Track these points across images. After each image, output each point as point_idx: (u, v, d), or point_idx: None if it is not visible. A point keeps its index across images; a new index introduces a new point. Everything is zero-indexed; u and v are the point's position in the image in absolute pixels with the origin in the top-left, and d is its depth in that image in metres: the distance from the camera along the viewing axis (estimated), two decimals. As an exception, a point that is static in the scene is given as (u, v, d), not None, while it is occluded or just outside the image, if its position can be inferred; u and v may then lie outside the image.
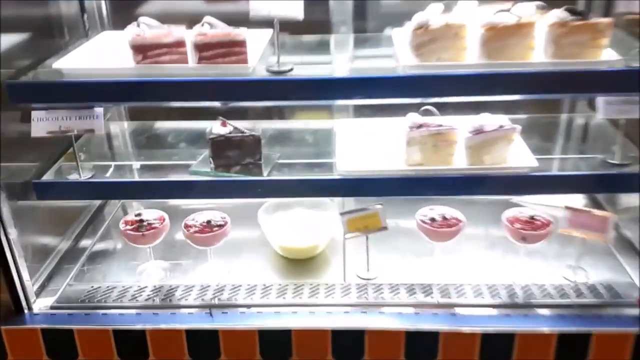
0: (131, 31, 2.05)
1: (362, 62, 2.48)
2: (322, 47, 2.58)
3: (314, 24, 2.59)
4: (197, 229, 2.28)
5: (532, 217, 2.27)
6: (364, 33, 2.66)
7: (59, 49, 2.40)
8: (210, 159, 2.28)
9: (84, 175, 2.24)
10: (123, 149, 2.70)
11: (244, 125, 2.31)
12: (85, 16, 2.66)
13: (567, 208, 2.23)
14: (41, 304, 2.30)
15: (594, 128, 2.62)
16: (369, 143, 2.42)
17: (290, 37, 2.52)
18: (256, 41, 2.24)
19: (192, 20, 2.55)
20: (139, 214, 2.35)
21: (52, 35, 2.53)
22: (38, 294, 2.34)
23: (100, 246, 2.67)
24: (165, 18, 2.69)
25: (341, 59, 2.48)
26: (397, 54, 2.15)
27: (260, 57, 2.17)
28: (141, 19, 2.06)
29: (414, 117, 2.20)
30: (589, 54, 1.97)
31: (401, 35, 2.20)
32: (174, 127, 2.76)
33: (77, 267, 2.51)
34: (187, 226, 2.30)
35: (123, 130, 2.84)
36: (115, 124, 2.87)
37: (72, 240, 2.69)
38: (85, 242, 2.71)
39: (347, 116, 2.76)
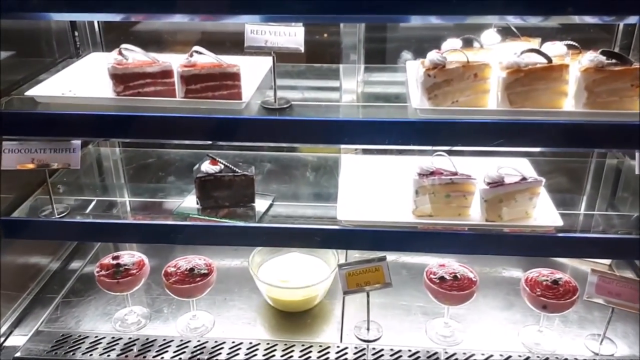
0: (112, 59, 1.85)
1: (371, 97, 2.24)
2: (328, 77, 2.37)
3: (322, 49, 2.42)
4: (177, 277, 2.06)
5: (555, 282, 2.01)
6: (376, 57, 2.44)
7: (46, 68, 2.23)
8: (197, 199, 2.07)
9: (59, 212, 2.05)
10: (108, 179, 2.50)
11: (237, 159, 2.11)
12: (76, 34, 2.48)
13: (594, 272, 1.97)
14: (5, 355, 2.09)
15: (627, 176, 2.35)
16: (375, 185, 2.21)
17: (295, 65, 2.32)
18: (255, 69, 2.05)
19: (192, 42, 2.42)
20: (116, 257, 2.13)
21: (40, 53, 2.36)
22: (2, 342, 2.13)
23: (77, 286, 2.45)
24: (165, 40, 2.58)
25: (348, 94, 2.26)
26: (409, 93, 1.92)
27: (257, 87, 1.97)
28: (123, 46, 1.86)
29: (424, 163, 1.96)
30: (628, 103, 1.72)
31: (415, 69, 1.96)
32: (167, 154, 2.57)
33: (50, 311, 2.30)
34: (167, 274, 2.08)
35: (110, 157, 2.63)
36: (105, 149, 2.67)
37: (47, 279, 2.48)
38: (62, 280, 2.49)
39: (355, 147, 2.53)
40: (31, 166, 1.94)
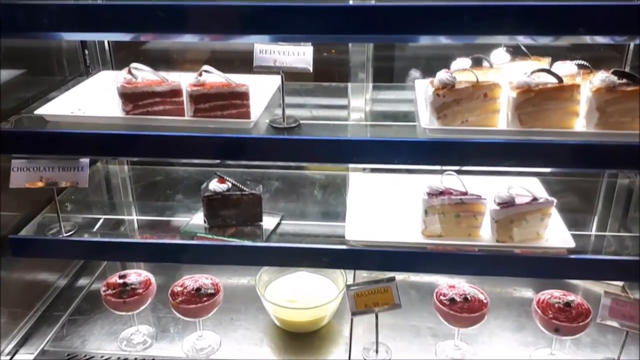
0: (121, 78, 1.86)
1: (379, 115, 2.23)
2: (337, 95, 2.37)
3: (331, 68, 2.42)
4: (184, 297, 2.04)
5: (568, 304, 1.97)
6: (384, 76, 2.43)
7: (56, 86, 2.24)
8: (205, 218, 2.06)
9: (66, 230, 2.04)
10: (117, 196, 2.49)
11: (245, 177, 2.10)
12: (86, 52, 2.49)
13: (608, 294, 1.94)
14: (10, 375, 2.08)
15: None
16: (384, 204, 2.19)
17: (303, 84, 2.32)
18: (264, 87, 2.05)
19: (202, 60, 2.43)
20: (123, 276, 2.12)
21: (51, 70, 2.37)
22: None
23: (84, 305, 2.43)
24: (174, 58, 2.59)
25: (356, 112, 2.25)
26: (418, 113, 1.90)
27: (266, 106, 1.97)
28: (133, 65, 1.86)
29: (433, 183, 1.94)
30: (640, 124, 1.70)
31: (424, 88, 1.95)
32: (175, 171, 2.56)
33: (56, 330, 2.28)
34: (173, 294, 2.06)
35: (119, 174, 2.63)
36: (114, 166, 2.67)
37: (54, 297, 2.46)
38: (69, 298, 2.48)
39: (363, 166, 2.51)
40: (40, 184, 1.94)
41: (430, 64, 2.25)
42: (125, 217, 2.28)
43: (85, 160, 1.94)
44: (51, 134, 1.83)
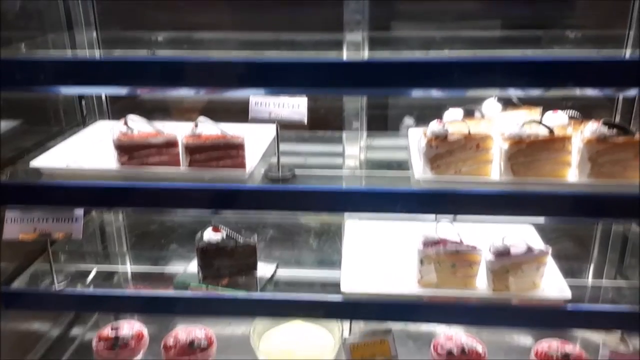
0: (117, 130, 1.87)
1: (374, 163, 2.25)
2: (332, 142, 2.39)
3: (325, 116, 2.45)
4: (177, 351, 2.01)
5: (566, 356, 1.95)
6: (378, 122, 2.47)
7: (53, 136, 2.25)
8: (199, 268, 2.05)
9: (59, 282, 2.02)
10: (111, 246, 2.48)
11: (240, 225, 2.09)
12: (83, 103, 2.51)
13: (606, 346, 1.91)
14: None
15: (635, 243, 2.32)
16: (379, 252, 2.18)
17: (298, 133, 2.34)
18: (260, 136, 2.07)
19: (198, 108, 2.46)
20: (115, 327, 2.09)
21: (47, 121, 2.39)
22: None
23: (75, 357, 2.36)
24: (171, 107, 2.61)
25: (351, 159, 2.27)
26: (411, 162, 1.92)
27: (261, 156, 1.98)
28: (129, 116, 1.88)
29: (428, 233, 1.94)
30: (632, 173, 1.71)
31: (417, 137, 1.97)
32: (170, 220, 2.55)
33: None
34: (166, 347, 2.03)
35: (114, 223, 2.62)
36: (108, 215, 2.66)
37: (46, 348, 2.40)
38: (61, 350, 2.41)
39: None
40: (33, 236, 1.93)
41: (424, 112, 2.30)
42: (119, 267, 2.26)
43: (80, 212, 1.93)
44: (46, 186, 1.83)
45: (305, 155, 2.26)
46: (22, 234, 1.93)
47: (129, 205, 1.90)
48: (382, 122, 2.56)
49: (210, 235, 2.03)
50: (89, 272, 2.17)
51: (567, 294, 1.86)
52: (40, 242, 2.07)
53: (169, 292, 1.99)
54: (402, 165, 2.01)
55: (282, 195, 1.81)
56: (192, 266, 2.10)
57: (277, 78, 1.61)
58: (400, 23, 2.34)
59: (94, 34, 2.32)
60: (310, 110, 1.83)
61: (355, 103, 2.42)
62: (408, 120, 2.47)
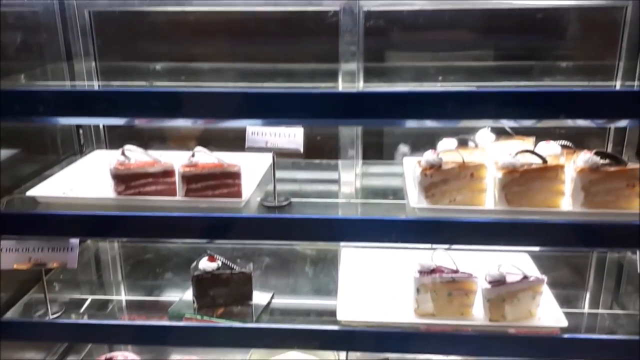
0: (114, 160, 1.88)
1: (369, 191, 2.26)
2: (328, 170, 2.40)
3: (320, 144, 2.47)
4: (171, 383, 1.99)
5: (564, 387, 1.94)
6: (373, 150, 2.49)
7: (50, 165, 2.26)
8: (194, 298, 2.04)
9: (53, 312, 2.01)
10: (106, 275, 2.46)
11: (235, 254, 2.09)
12: (81, 131, 2.53)
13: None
14: None
15: (630, 271, 2.32)
16: (375, 280, 2.18)
17: (294, 162, 2.36)
18: (256, 164, 2.09)
19: (195, 136, 2.47)
20: (109, 358, 2.07)
21: (44, 150, 2.39)
22: None
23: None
24: (168, 135, 2.63)
25: (346, 186, 2.28)
26: (406, 191, 1.94)
27: (257, 184, 2.00)
28: (126, 146, 1.90)
29: (424, 261, 1.95)
30: (624, 202, 1.73)
31: (412, 166, 1.98)
32: (165, 248, 2.54)
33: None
34: (159, 379, 2.01)
35: (109, 252, 2.61)
36: (104, 244, 2.65)
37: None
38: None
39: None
40: (28, 266, 1.92)
41: (419, 140, 2.33)
42: (114, 297, 2.25)
43: (75, 241, 1.93)
44: (42, 216, 1.83)
45: (301, 182, 2.28)
46: (16, 263, 1.92)
47: (126, 235, 1.90)
48: (377, 150, 2.59)
49: (205, 264, 2.03)
50: (83, 302, 2.16)
51: (563, 323, 1.86)
52: (35, 271, 2.08)
53: (164, 322, 1.97)
54: (398, 193, 2.03)
55: (277, 225, 1.82)
56: (188, 295, 2.09)
57: (273, 109, 1.64)
58: (395, 53, 2.39)
59: (93, 64, 2.35)
60: (306, 137, 1.85)
61: (350, 131, 2.45)
62: (403, 148, 2.49)
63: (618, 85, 2.10)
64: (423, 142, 2.14)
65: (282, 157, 1.90)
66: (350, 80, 2.28)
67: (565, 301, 2.03)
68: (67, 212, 1.81)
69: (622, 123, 1.83)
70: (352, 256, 2.34)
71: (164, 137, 2.67)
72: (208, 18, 2.31)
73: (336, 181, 2.36)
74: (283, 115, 1.66)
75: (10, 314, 2.02)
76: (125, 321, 2.05)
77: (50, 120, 1.93)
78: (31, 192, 1.92)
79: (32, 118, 1.73)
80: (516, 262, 2.01)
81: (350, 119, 1.72)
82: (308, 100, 1.62)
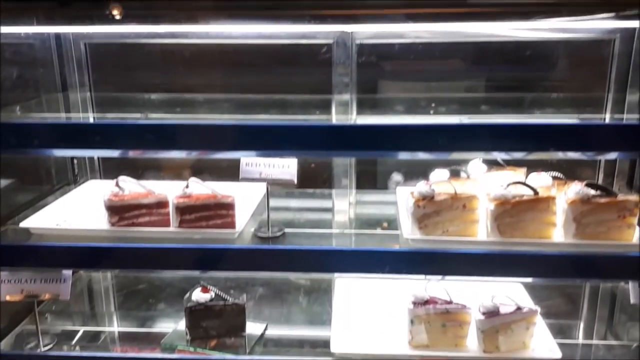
0: (109, 191, 1.89)
1: (363, 220, 2.26)
2: (322, 199, 2.41)
3: (314, 173, 2.49)
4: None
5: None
6: (367, 178, 2.50)
7: (44, 195, 2.27)
8: (187, 329, 2.02)
9: (45, 344, 1.99)
10: (98, 305, 2.44)
11: (229, 284, 2.08)
12: (75, 161, 2.53)
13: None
14: None
15: (623, 301, 2.32)
16: (369, 311, 2.17)
17: (288, 192, 2.37)
18: (250, 194, 2.09)
19: (189, 165, 2.49)
20: (101, 392, 2.04)
21: (39, 180, 2.40)
22: None
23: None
24: (162, 164, 2.64)
25: (340, 215, 2.29)
26: (399, 221, 1.95)
27: (252, 214, 2.00)
28: (120, 178, 1.91)
29: (418, 292, 1.95)
30: (616, 234, 1.75)
31: (405, 196, 1.98)
32: (158, 279, 2.53)
33: None
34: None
35: (102, 282, 2.59)
36: (97, 274, 2.63)
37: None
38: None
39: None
40: (20, 297, 1.91)
41: (412, 168, 2.35)
42: (106, 328, 2.22)
43: (68, 273, 1.92)
44: (35, 247, 1.83)
45: (295, 210, 2.29)
46: (9, 295, 1.91)
47: (119, 267, 1.90)
48: (371, 178, 2.61)
49: (198, 295, 2.02)
50: (75, 333, 2.14)
51: (557, 354, 1.86)
52: (27, 302, 2.06)
53: (156, 354, 1.96)
54: (391, 222, 2.03)
55: (271, 256, 1.82)
56: (181, 326, 2.08)
57: (267, 142, 1.65)
58: (387, 84, 2.42)
59: (88, 95, 2.37)
60: (300, 166, 1.86)
61: (344, 159, 2.47)
62: (397, 177, 2.51)
63: (607, 117, 2.13)
64: (416, 170, 2.16)
65: (277, 185, 1.92)
66: (344, 111, 2.30)
67: (559, 331, 2.03)
68: (60, 243, 1.80)
69: (612, 155, 1.86)
70: (346, 286, 2.33)
71: (158, 165, 2.67)
72: (203, 50, 2.34)
73: (330, 210, 2.37)
74: (277, 148, 1.68)
75: (2, 346, 2.00)
76: (117, 353, 2.03)
77: (45, 152, 1.93)
78: (25, 223, 1.92)
79: (27, 151, 1.74)
80: (509, 291, 2.02)
81: (343, 151, 1.74)
82: (301, 133, 1.63)
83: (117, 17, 1.76)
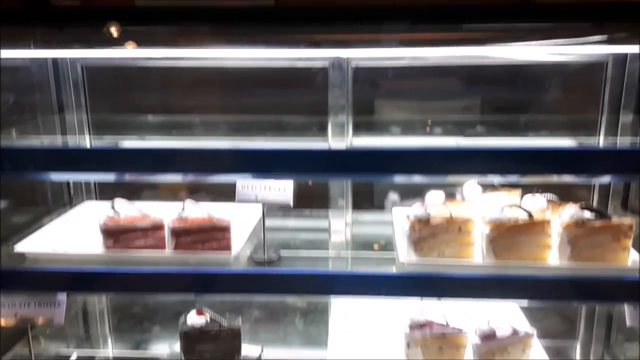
0: (104, 215, 1.89)
1: (359, 241, 2.26)
2: (318, 219, 2.41)
3: (310, 194, 2.49)
4: None
5: None
6: (363, 197, 2.51)
7: (39, 217, 2.25)
8: (182, 353, 2.01)
9: (38, 368, 1.98)
10: (93, 328, 2.42)
11: (224, 306, 2.07)
12: (71, 182, 2.52)
13: None
14: None
15: (620, 322, 2.32)
16: (366, 331, 2.16)
17: (285, 213, 2.37)
18: (246, 215, 2.09)
19: (186, 186, 2.48)
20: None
21: (34, 201, 2.39)
22: None
23: None
24: (159, 185, 2.64)
25: (337, 235, 2.29)
26: (396, 244, 1.95)
27: (248, 236, 1.99)
28: (116, 200, 1.91)
29: (414, 315, 1.94)
30: (611, 256, 1.75)
31: (401, 218, 1.98)
32: (153, 301, 2.51)
33: None
34: None
35: (97, 305, 2.56)
36: (92, 297, 2.62)
37: None
38: None
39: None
40: (14, 321, 1.89)
41: (408, 188, 2.35)
42: (100, 351, 2.21)
43: (63, 297, 1.90)
44: (29, 272, 1.82)
45: (291, 230, 2.28)
46: (3, 319, 1.89)
47: (114, 291, 1.89)
48: (367, 198, 2.61)
49: (193, 319, 2.01)
50: (69, 356, 2.12)
51: (554, 377, 1.86)
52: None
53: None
54: (388, 242, 2.03)
55: (267, 279, 1.81)
56: (176, 349, 2.06)
57: (263, 165, 1.65)
58: (382, 106, 2.44)
59: (85, 116, 2.37)
60: (297, 185, 1.87)
61: (340, 181, 2.47)
62: (393, 196, 2.52)
63: (601, 139, 2.15)
64: (413, 190, 2.16)
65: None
66: (340, 132, 2.31)
67: (555, 353, 2.03)
68: (55, 267, 1.80)
69: (605, 179, 1.87)
70: (343, 307, 2.32)
71: (155, 185, 2.67)
72: (200, 72, 2.35)
73: (326, 230, 2.37)
74: (273, 171, 1.68)
75: (-6, 371, 1.99)
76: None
77: (39, 176, 1.94)
78: (20, 247, 1.91)
79: (22, 175, 1.74)
80: (505, 312, 2.02)
81: (339, 175, 1.75)
82: (297, 157, 1.64)
83: (115, 36, 1.77)
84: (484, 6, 1.62)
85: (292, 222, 2.36)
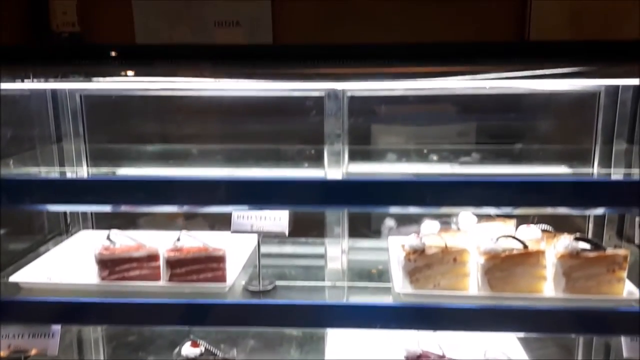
0: (100, 245, 1.89)
1: (355, 270, 2.25)
2: (314, 246, 2.41)
3: (306, 222, 2.49)
4: None
5: None
6: (360, 223, 2.51)
7: (36, 245, 2.25)
8: (177, 385, 2.00)
9: (32, 400, 1.95)
10: (87, 357, 2.40)
11: (219, 337, 2.06)
12: (68, 211, 2.53)
13: None
14: None
15: (617, 352, 2.30)
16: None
17: (281, 241, 2.36)
18: (242, 244, 2.09)
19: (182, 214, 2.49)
20: None
21: (31, 229, 2.38)
22: None
23: None
24: (155, 213, 2.64)
25: (333, 263, 2.28)
26: (391, 274, 1.94)
27: (243, 266, 1.99)
28: (112, 231, 1.91)
29: (410, 346, 1.93)
30: (606, 287, 1.75)
31: (397, 248, 1.97)
32: (148, 331, 2.49)
33: None
34: None
35: (91, 334, 2.55)
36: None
37: None
38: None
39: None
40: (7, 353, 1.88)
41: (405, 215, 2.35)
42: (94, 382, 2.19)
43: (57, 327, 1.90)
44: (24, 303, 1.81)
45: (287, 258, 2.28)
46: (-4, 351, 1.88)
47: (109, 323, 1.89)
48: (364, 225, 2.61)
49: (188, 350, 2.00)
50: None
51: (551, 410, 1.84)
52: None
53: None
54: (384, 270, 2.03)
55: (262, 311, 1.81)
56: (170, 381, 2.05)
57: (258, 197, 1.67)
58: (378, 134, 2.45)
59: (82, 146, 2.38)
60: (293, 214, 1.87)
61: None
62: (390, 222, 2.52)
63: (595, 169, 2.16)
64: (410, 216, 2.17)
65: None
66: (336, 160, 2.32)
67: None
68: (49, 299, 1.79)
69: (599, 211, 1.88)
70: (339, 337, 2.31)
71: (151, 214, 2.67)
72: (197, 101, 2.37)
73: (322, 256, 2.36)
74: (268, 202, 1.70)
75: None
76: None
77: (36, 207, 1.94)
78: (15, 277, 1.91)
79: (19, 206, 1.75)
80: (502, 342, 2.01)
81: (334, 206, 1.75)
82: (293, 188, 1.65)
83: (115, 70, 1.79)
84: (478, 44, 1.65)
85: (288, 249, 2.35)
